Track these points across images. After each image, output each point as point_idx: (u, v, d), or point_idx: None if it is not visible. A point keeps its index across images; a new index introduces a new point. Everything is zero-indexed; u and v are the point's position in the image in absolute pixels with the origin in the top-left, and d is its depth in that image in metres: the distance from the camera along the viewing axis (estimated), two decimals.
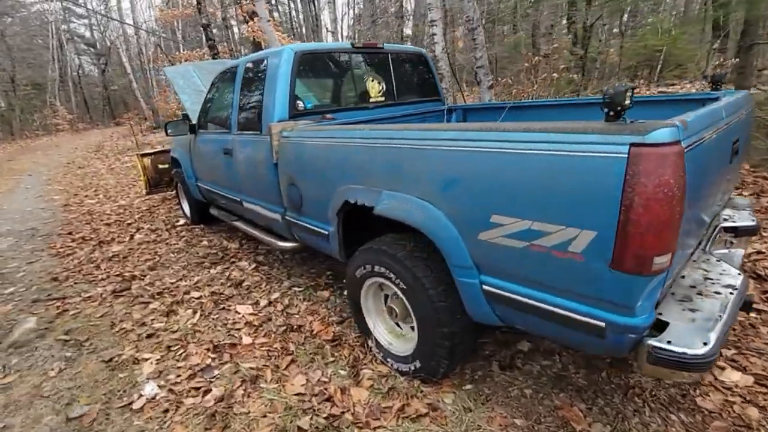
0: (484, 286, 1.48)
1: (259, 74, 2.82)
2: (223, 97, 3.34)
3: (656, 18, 10.83)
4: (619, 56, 9.13)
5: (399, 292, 1.83)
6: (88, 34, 32.02)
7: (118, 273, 3.39)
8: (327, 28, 19.21)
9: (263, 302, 2.70)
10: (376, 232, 2.03)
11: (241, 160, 2.94)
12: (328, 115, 2.73)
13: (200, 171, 3.89)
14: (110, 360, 2.23)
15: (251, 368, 2.04)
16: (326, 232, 2.24)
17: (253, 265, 3.29)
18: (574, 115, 2.76)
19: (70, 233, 4.78)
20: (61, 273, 3.54)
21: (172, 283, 3.12)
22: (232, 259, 3.50)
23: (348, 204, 1.99)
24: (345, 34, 20.77)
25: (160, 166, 5.68)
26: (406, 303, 1.81)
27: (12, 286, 3.29)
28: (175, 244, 4.02)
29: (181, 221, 4.65)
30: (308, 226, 2.39)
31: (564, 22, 11.96)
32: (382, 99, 3.08)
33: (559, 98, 5.69)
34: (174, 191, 5.65)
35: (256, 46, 9.10)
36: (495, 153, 1.33)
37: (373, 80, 3.03)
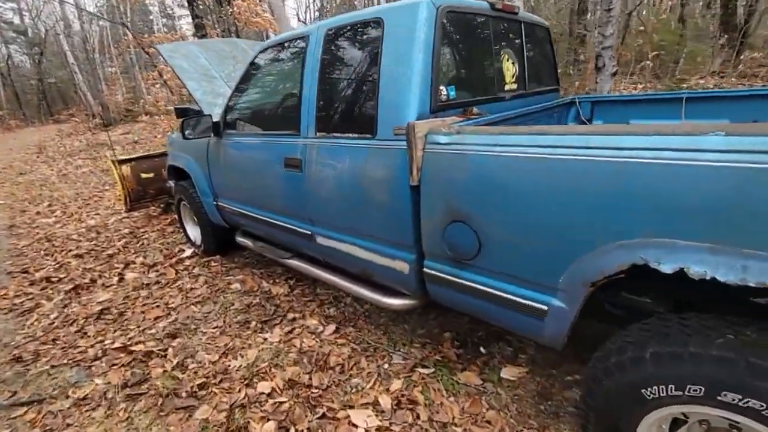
0: None
1: (365, 46, 1.84)
2: (276, 85, 2.31)
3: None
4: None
5: None
6: (17, 20, 28.25)
7: (120, 346, 2.27)
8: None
9: (385, 401, 1.73)
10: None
11: (326, 178, 1.95)
12: (474, 109, 1.80)
13: (225, 186, 2.81)
14: None
15: None
16: (540, 307, 1.33)
17: (331, 328, 2.28)
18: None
19: (25, 271, 3.50)
20: (26, 347, 2.36)
21: (214, 364, 2.07)
22: (290, 315, 2.47)
23: (630, 267, 1.10)
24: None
25: (144, 176, 4.46)
26: None
27: None
28: (192, 288, 2.91)
29: (187, 251, 3.51)
30: (490, 290, 1.46)
31: None
32: (515, 87, 2.19)
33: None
34: (169, 209, 4.48)
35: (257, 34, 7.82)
36: None
37: (508, 59, 2.13)
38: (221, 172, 2.78)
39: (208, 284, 2.94)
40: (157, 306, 2.70)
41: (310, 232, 2.18)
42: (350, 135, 1.83)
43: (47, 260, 3.70)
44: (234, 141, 2.59)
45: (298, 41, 2.15)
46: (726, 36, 8.34)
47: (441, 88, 1.66)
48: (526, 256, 1.33)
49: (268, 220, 2.46)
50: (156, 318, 2.55)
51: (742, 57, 8.10)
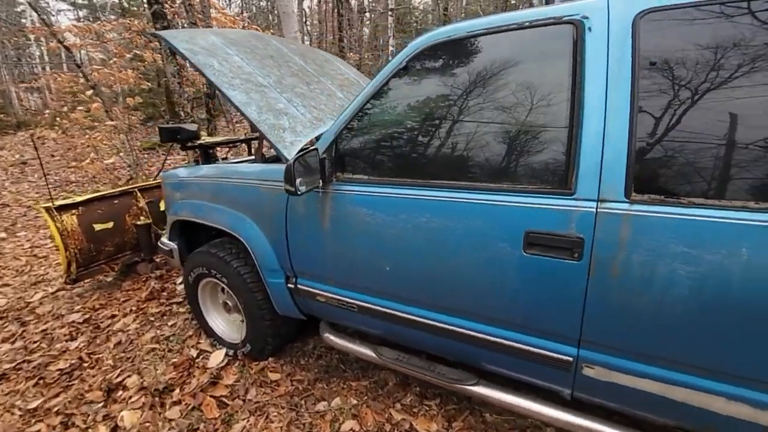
0: None
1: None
2: (479, 104, 1.33)
3: None
4: None
5: None
6: None
7: None
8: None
9: None
10: None
11: (665, 279, 1.06)
12: None
13: (323, 264, 1.70)
14: None
15: None
16: None
17: None
18: None
19: None
20: None
21: None
22: None
23: None
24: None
25: (98, 228, 2.98)
26: None
27: None
28: None
29: (215, 355, 2.21)
30: None
31: None
32: None
33: None
34: (133, 271, 3.08)
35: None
36: None
37: None
38: (321, 241, 1.67)
39: (294, 424, 1.76)
40: None
41: (571, 358, 1.25)
42: (735, 204, 0.98)
43: None
44: (364, 193, 1.53)
45: (550, 29, 1.23)
46: None
47: None
48: None
49: (449, 327, 1.45)
50: None
51: None
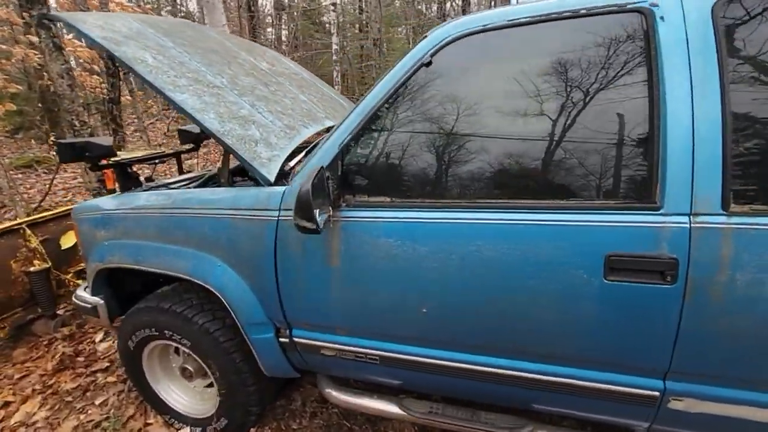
0: None
1: None
2: (524, 107, 1.11)
3: None
4: None
5: None
6: None
7: None
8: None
9: None
10: None
11: None
12: None
13: (326, 309, 1.34)
14: None
15: None
16: None
17: None
18: None
19: None
20: None
21: None
22: None
23: None
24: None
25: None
26: None
27: None
28: None
29: None
30: None
31: None
32: None
33: None
34: (25, 335, 2.43)
35: None
36: None
37: None
38: (327, 283, 1.31)
39: None
40: None
41: (657, 393, 1.10)
42: None
43: None
44: (389, 220, 1.22)
45: (614, 18, 1.05)
46: None
47: None
48: None
49: (502, 372, 1.22)
50: None
51: None
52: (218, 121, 1.47)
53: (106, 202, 1.71)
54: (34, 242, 2.47)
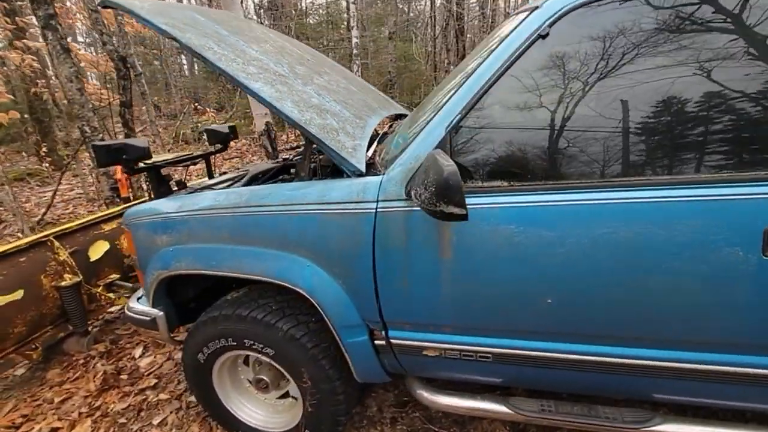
0: None
1: None
2: (681, 69, 1.03)
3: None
4: None
5: None
6: None
7: None
8: None
9: None
10: None
11: None
12: None
13: (448, 306, 1.24)
14: None
15: None
16: None
17: None
18: None
19: None
20: None
21: None
22: None
23: None
24: None
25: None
26: None
27: None
28: None
29: None
30: None
31: None
32: None
33: None
34: (55, 357, 2.29)
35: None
36: None
37: None
38: (436, 278, 1.21)
39: None
40: None
41: None
42: None
43: None
44: (507, 205, 1.12)
45: None
46: None
47: None
48: None
49: (637, 362, 1.13)
50: None
51: None
52: (297, 110, 1.36)
53: (166, 205, 1.58)
54: (63, 254, 2.31)
